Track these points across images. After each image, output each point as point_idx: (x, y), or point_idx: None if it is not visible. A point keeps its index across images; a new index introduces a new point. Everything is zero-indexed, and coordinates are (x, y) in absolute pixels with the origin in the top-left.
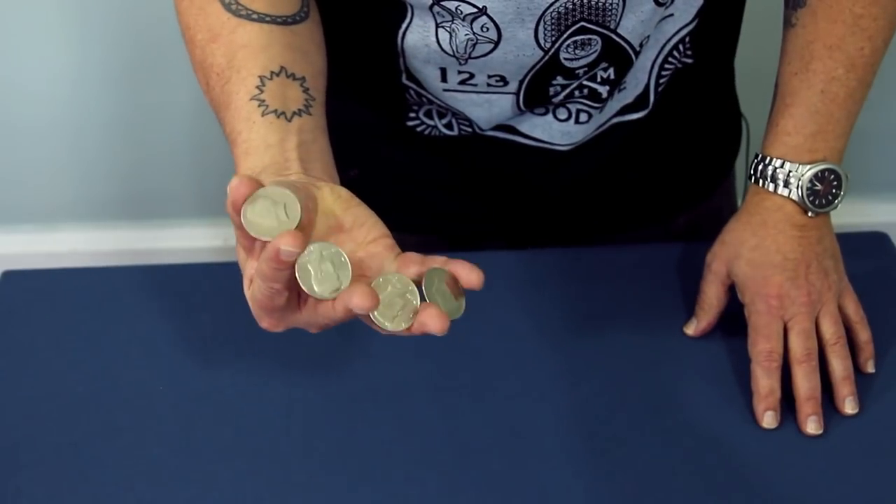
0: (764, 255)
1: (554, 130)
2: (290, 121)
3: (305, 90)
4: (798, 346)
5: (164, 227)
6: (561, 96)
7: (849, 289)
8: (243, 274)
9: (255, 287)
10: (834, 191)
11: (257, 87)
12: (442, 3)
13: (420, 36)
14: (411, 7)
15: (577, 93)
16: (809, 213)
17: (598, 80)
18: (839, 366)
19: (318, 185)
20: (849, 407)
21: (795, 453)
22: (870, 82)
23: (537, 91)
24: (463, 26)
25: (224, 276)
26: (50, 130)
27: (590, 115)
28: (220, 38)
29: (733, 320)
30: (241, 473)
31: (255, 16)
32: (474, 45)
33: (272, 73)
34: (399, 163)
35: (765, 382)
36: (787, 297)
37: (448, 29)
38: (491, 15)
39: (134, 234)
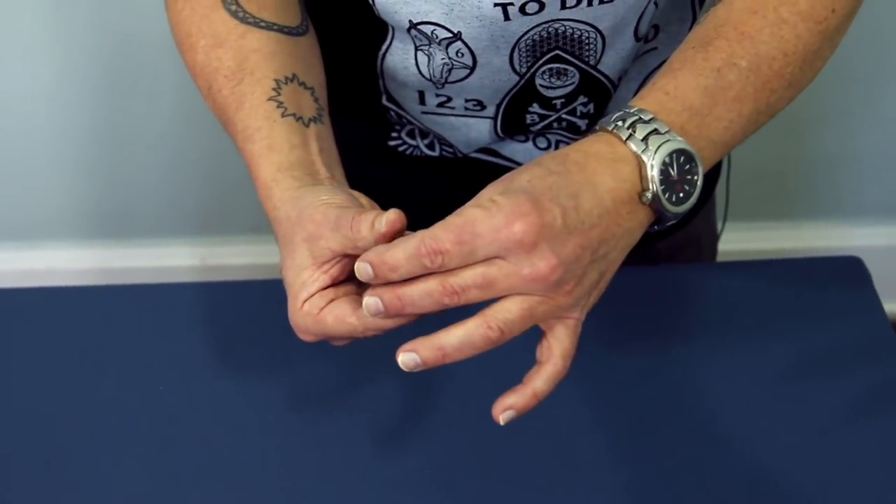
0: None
1: (535, 157)
2: (307, 126)
3: (315, 100)
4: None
5: (141, 245)
6: (539, 126)
7: (575, 328)
8: (301, 288)
9: (356, 328)
10: (681, 194)
11: (273, 89)
12: (418, 26)
13: (399, 58)
14: (392, 29)
15: (555, 125)
16: (646, 194)
17: (578, 113)
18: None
19: (355, 194)
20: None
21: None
22: (761, 112)
23: (514, 117)
24: (439, 50)
25: (200, 295)
26: (26, 147)
27: None
28: (228, 42)
29: (717, 344)
30: (220, 494)
31: (262, 24)
32: (450, 70)
33: (286, 78)
34: (382, 182)
35: (399, 255)
36: (533, 247)
37: (426, 52)
38: (466, 41)
39: (111, 252)
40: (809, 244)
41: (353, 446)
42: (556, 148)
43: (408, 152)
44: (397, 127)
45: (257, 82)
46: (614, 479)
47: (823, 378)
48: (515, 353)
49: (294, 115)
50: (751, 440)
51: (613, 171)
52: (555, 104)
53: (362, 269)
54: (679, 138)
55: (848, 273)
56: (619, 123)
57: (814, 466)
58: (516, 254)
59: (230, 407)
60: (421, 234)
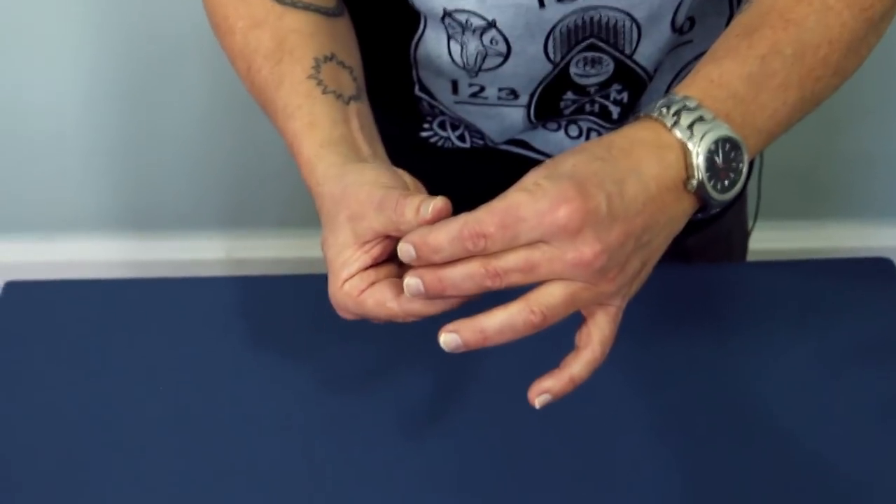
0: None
1: (566, 147)
2: (347, 104)
3: (354, 79)
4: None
5: (167, 238)
6: (572, 109)
7: (616, 315)
8: (342, 267)
9: (397, 313)
10: (726, 182)
11: (313, 67)
12: (453, 14)
13: (433, 47)
14: (424, 17)
15: (587, 107)
16: (691, 181)
17: (612, 99)
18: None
19: (400, 172)
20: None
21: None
22: (806, 99)
23: (548, 105)
24: (473, 38)
25: (226, 289)
26: (54, 141)
27: (601, 135)
28: (266, 24)
29: (747, 343)
30: (247, 486)
31: (300, 4)
32: (484, 58)
33: (325, 57)
34: (413, 174)
35: (442, 237)
36: (577, 233)
37: (459, 41)
38: (500, 28)
39: (136, 244)
40: (839, 244)
41: (382, 438)
42: (588, 137)
43: (439, 144)
44: (429, 118)
45: (297, 61)
46: (643, 474)
47: (853, 377)
48: (549, 342)
49: (334, 92)
50: (780, 439)
51: (658, 158)
52: (588, 91)
53: (405, 251)
54: (724, 126)
55: (878, 274)
56: (664, 110)
57: (843, 465)
58: (560, 239)
59: (255, 400)
60: (464, 216)
